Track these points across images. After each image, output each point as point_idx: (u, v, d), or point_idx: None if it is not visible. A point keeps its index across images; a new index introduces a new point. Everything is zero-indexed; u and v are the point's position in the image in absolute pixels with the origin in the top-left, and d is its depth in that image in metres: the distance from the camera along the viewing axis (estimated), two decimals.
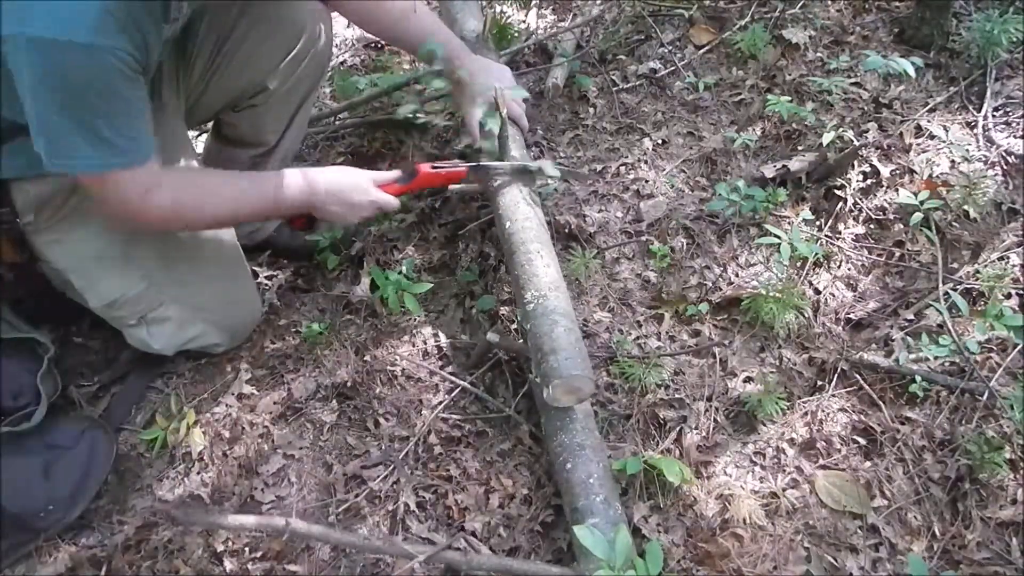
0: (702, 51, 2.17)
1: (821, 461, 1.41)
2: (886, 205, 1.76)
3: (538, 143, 1.99)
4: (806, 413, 1.47)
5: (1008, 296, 1.57)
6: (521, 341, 1.50)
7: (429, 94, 1.93)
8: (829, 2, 2.23)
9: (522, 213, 1.55)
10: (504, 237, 1.55)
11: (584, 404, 1.38)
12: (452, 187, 1.63)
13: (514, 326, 1.60)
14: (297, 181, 1.44)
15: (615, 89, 2.11)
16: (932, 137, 1.86)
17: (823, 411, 1.47)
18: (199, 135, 2.05)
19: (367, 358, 1.60)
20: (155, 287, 1.47)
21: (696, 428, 1.47)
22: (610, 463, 1.33)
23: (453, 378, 1.55)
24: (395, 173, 1.54)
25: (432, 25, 1.70)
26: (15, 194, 1.36)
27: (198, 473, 1.47)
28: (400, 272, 1.68)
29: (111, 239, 1.43)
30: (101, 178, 1.23)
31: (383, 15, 1.65)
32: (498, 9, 2.30)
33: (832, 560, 1.29)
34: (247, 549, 1.36)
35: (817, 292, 1.66)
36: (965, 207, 1.70)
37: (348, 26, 2.44)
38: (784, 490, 1.38)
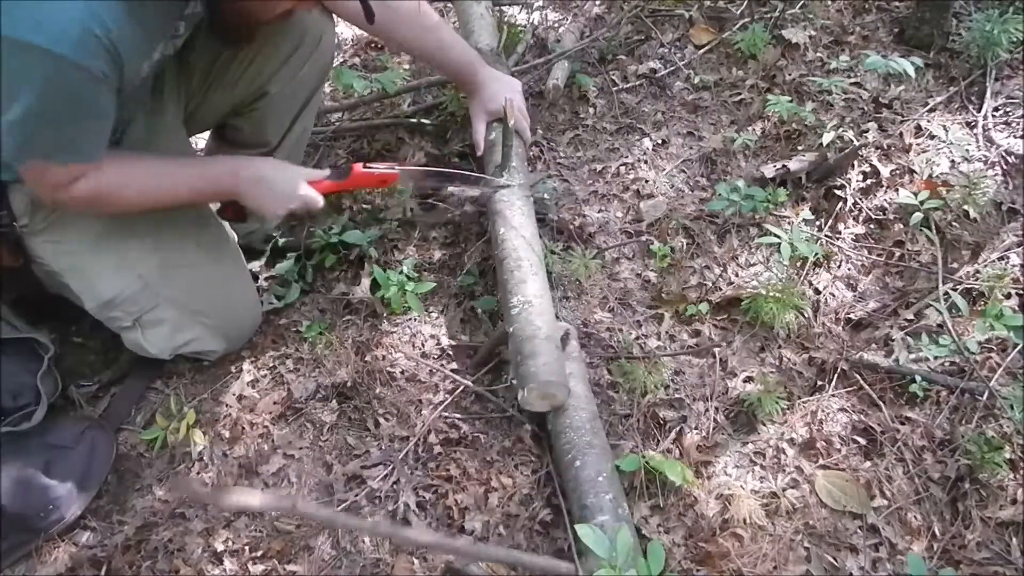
0: (702, 51, 2.17)
1: (821, 461, 1.41)
2: (886, 205, 1.76)
3: (538, 143, 1.99)
4: (806, 413, 1.47)
5: (1008, 296, 1.57)
6: None
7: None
8: (829, 2, 2.23)
9: (517, 221, 1.58)
10: (497, 243, 1.57)
11: (591, 407, 1.39)
12: (451, 189, 1.64)
13: None
14: (224, 167, 1.47)
15: (615, 89, 2.11)
16: (932, 137, 1.86)
17: (823, 411, 1.47)
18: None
19: (367, 358, 1.60)
20: (150, 287, 1.47)
21: (696, 428, 1.47)
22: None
23: (456, 376, 1.55)
24: (326, 171, 1.53)
25: (451, 39, 1.73)
26: (12, 197, 1.36)
27: (198, 473, 1.47)
28: (401, 272, 1.68)
29: (106, 239, 1.43)
30: (35, 169, 1.25)
31: (403, 28, 1.66)
32: (505, 11, 2.30)
33: (832, 560, 1.29)
34: (247, 548, 1.36)
35: (817, 292, 1.66)
36: (965, 207, 1.70)
37: (349, 25, 2.43)
38: (784, 490, 1.38)
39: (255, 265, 1.76)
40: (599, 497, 1.24)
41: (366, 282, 1.71)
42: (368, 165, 1.54)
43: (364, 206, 1.88)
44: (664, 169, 1.92)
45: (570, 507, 1.30)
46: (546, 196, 1.82)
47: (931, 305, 1.57)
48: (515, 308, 1.44)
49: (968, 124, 1.90)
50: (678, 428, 1.47)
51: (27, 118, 1.14)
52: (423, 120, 2.08)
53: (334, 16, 1.70)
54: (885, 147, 1.85)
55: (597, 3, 2.37)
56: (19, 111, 1.13)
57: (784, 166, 1.82)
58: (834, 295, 1.66)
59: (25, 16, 1.06)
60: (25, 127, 1.16)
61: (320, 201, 1.48)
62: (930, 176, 1.78)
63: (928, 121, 1.90)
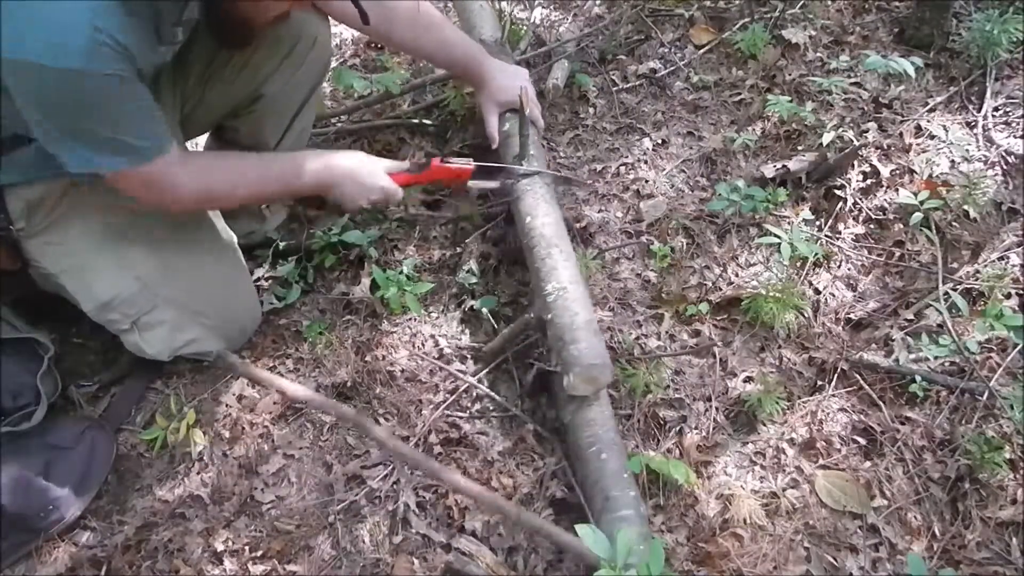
0: (702, 51, 2.17)
1: (821, 461, 1.41)
2: (886, 205, 1.76)
3: None
4: (806, 413, 1.48)
5: (1008, 296, 1.57)
6: None
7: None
8: (829, 2, 2.23)
9: (542, 210, 1.59)
10: (524, 231, 1.57)
11: (608, 405, 1.39)
12: (471, 183, 1.64)
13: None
14: (317, 161, 1.50)
15: (615, 89, 2.11)
16: (932, 137, 1.87)
17: (823, 411, 1.47)
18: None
19: (367, 358, 1.60)
20: (149, 289, 1.47)
21: (696, 428, 1.47)
22: None
23: (458, 376, 1.55)
24: (406, 163, 1.58)
25: (453, 35, 1.74)
26: (10, 200, 1.36)
27: (198, 473, 1.47)
28: (401, 272, 1.68)
29: (104, 241, 1.43)
30: (126, 176, 1.27)
31: (403, 29, 1.67)
32: (504, 8, 2.30)
33: (832, 560, 1.29)
34: (247, 548, 1.36)
35: (817, 292, 1.66)
36: (965, 207, 1.70)
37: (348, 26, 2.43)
38: (784, 490, 1.38)
39: (257, 272, 1.76)
40: (624, 492, 1.24)
41: (366, 282, 1.71)
42: (446, 159, 1.59)
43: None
44: (664, 169, 1.92)
45: (590, 499, 1.29)
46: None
47: (931, 305, 1.57)
48: (551, 295, 1.44)
49: (968, 124, 1.90)
50: (678, 428, 1.47)
51: (76, 137, 1.16)
52: (424, 120, 2.08)
53: (331, 18, 1.70)
54: (885, 147, 1.85)
55: (597, 3, 2.37)
56: (67, 134, 1.15)
57: (784, 166, 1.82)
58: (834, 295, 1.66)
59: (28, 39, 1.06)
60: (81, 146, 1.18)
61: (400, 193, 1.55)
62: (930, 176, 1.78)
63: (928, 121, 1.90)
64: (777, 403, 1.45)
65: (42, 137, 1.19)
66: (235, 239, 1.65)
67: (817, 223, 1.77)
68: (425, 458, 1.37)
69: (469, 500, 1.38)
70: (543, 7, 2.37)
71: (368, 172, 1.52)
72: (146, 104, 1.23)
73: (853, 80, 2.00)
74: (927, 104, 1.93)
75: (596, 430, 1.33)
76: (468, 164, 1.60)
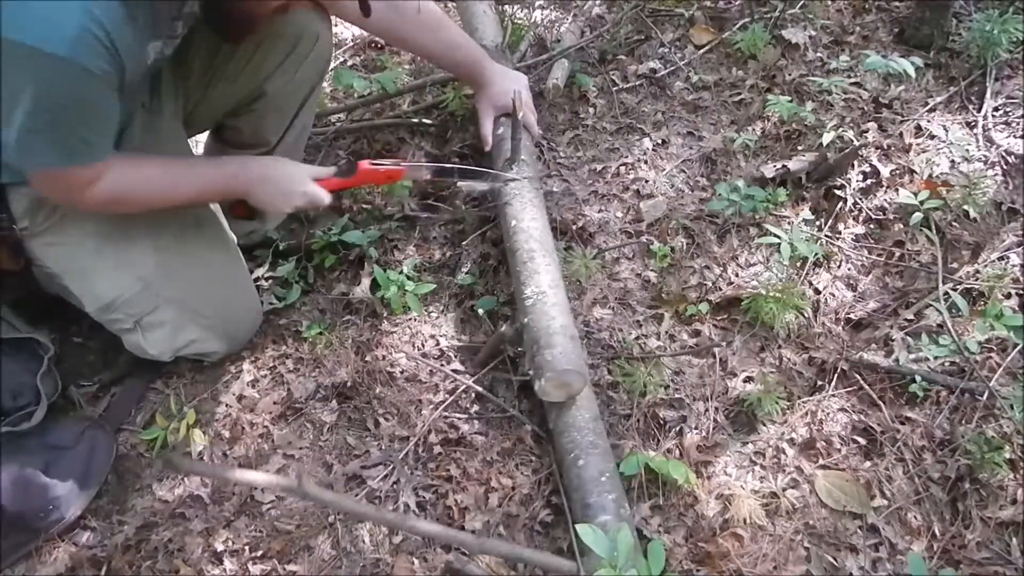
0: (702, 51, 2.17)
1: (821, 461, 1.41)
2: (886, 205, 1.76)
3: (538, 143, 1.99)
4: (806, 413, 1.47)
5: (1008, 296, 1.57)
6: None
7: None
8: (829, 2, 2.23)
9: (528, 214, 1.59)
10: (508, 235, 1.58)
11: (593, 407, 1.39)
12: (461, 184, 1.64)
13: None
14: (231, 166, 1.49)
15: (615, 89, 2.11)
16: (932, 137, 1.86)
17: (823, 411, 1.47)
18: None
19: (367, 358, 1.60)
20: (151, 289, 1.47)
21: (696, 428, 1.47)
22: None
23: (457, 376, 1.55)
24: (332, 169, 1.54)
25: (456, 37, 1.75)
26: (12, 199, 1.36)
27: None
28: (401, 272, 1.68)
29: (106, 241, 1.43)
30: (47, 175, 1.26)
31: (407, 29, 1.67)
32: (506, 9, 2.31)
33: (832, 560, 1.29)
34: (247, 548, 1.36)
35: (817, 292, 1.66)
36: (965, 207, 1.70)
37: (349, 25, 2.43)
38: (784, 490, 1.38)
39: (257, 272, 1.76)
40: (602, 496, 1.24)
41: (366, 282, 1.71)
42: (374, 162, 1.55)
43: (364, 206, 1.88)
44: (664, 169, 1.92)
45: (572, 506, 1.30)
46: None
47: (931, 305, 1.57)
48: (529, 299, 1.44)
49: (968, 124, 1.90)
50: (678, 428, 1.47)
51: (31, 123, 1.14)
52: (424, 120, 2.08)
53: (335, 17, 1.71)
54: (885, 147, 1.85)
55: (597, 3, 2.36)
56: (22, 116, 1.13)
57: (784, 166, 1.82)
58: (834, 295, 1.66)
59: (21, 18, 1.06)
60: (31, 132, 1.16)
61: (326, 198, 1.50)
62: (930, 176, 1.78)
63: (928, 121, 1.90)
64: (777, 403, 1.45)
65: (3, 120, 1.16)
66: (235, 239, 1.65)
67: (817, 223, 1.77)
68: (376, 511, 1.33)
69: (469, 501, 1.39)
70: (543, 7, 2.37)
71: (287, 177, 1.47)
72: (107, 110, 1.22)
73: (853, 80, 2.00)
74: (927, 104, 1.93)
75: (574, 435, 1.33)
76: (398, 165, 1.56)
